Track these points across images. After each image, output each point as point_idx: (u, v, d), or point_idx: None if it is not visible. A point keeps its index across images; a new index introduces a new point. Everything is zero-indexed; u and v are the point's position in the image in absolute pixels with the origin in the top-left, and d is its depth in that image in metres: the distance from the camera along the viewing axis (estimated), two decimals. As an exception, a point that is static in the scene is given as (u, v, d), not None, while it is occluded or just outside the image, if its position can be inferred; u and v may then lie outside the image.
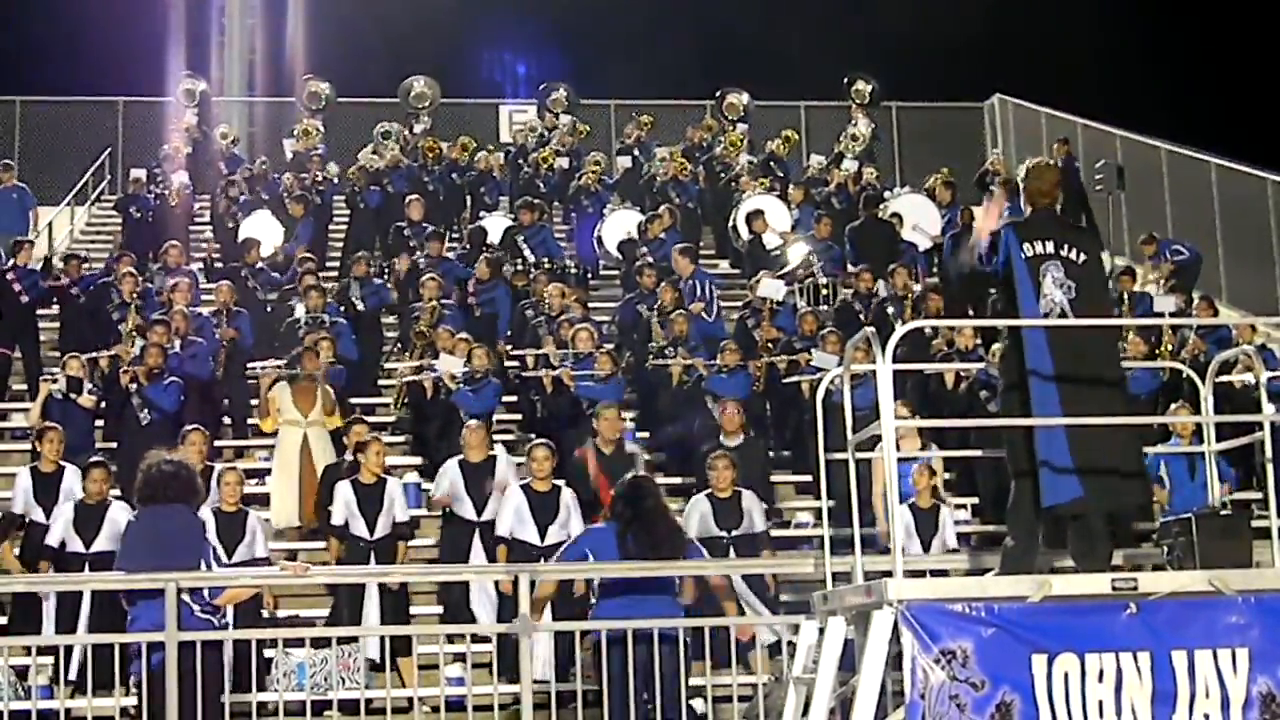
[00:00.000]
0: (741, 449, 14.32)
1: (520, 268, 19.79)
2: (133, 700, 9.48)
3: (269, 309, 18.67)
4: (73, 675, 11.38)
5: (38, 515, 13.31)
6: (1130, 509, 7.92)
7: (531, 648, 9.50)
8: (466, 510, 13.36)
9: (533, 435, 16.21)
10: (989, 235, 8.00)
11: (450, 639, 12.30)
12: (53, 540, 12.67)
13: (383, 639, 11.60)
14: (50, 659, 11.71)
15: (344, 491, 13.10)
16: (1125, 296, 18.63)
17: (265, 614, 12.50)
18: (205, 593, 9.41)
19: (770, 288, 18.31)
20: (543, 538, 12.51)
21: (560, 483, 13.01)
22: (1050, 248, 7.86)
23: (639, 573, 9.73)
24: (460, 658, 11.87)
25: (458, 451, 13.86)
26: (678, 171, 23.83)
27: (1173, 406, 14.66)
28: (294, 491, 14.75)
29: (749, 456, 14.32)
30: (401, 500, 13.36)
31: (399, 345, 18.76)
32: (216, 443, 15.75)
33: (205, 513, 12.22)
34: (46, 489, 13.39)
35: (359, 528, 12.98)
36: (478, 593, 13.02)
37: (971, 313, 16.21)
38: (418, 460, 16.19)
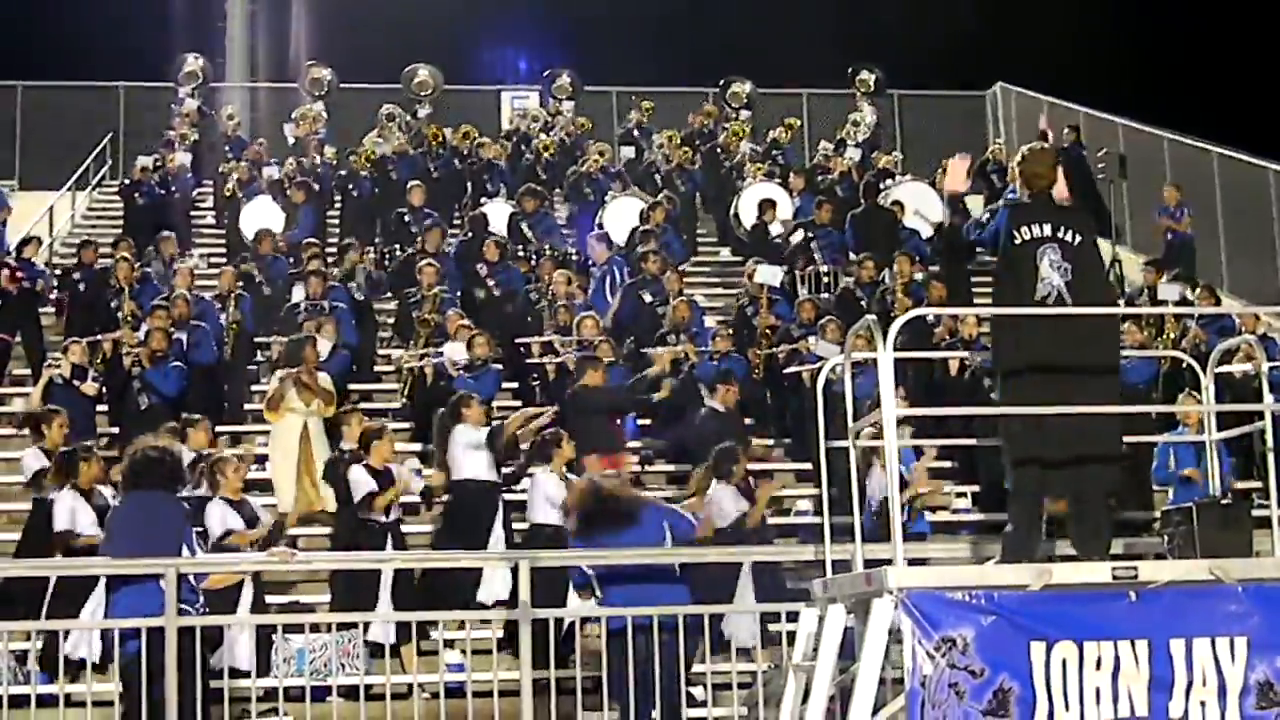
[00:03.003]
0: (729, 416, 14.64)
1: (524, 254, 19.80)
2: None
3: (268, 294, 18.65)
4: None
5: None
6: (1101, 494, 7.89)
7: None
8: (471, 470, 13.62)
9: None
10: (986, 212, 8.04)
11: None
12: (61, 525, 12.58)
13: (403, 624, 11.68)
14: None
15: (359, 474, 13.12)
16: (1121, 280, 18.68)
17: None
18: (190, 577, 9.43)
19: (766, 274, 18.31)
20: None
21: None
22: (1047, 230, 7.86)
23: (640, 559, 9.72)
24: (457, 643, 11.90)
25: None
26: (681, 160, 23.81)
27: (1181, 396, 14.64)
28: (290, 479, 14.76)
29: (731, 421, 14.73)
30: (413, 482, 13.42)
31: (396, 333, 18.75)
32: (216, 428, 15.75)
33: (216, 503, 12.28)
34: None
35: (375, 511, 12.99)
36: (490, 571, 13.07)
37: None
38: (419, 447, 16.18)
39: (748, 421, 16.14)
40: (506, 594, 12.64)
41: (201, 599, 9.75)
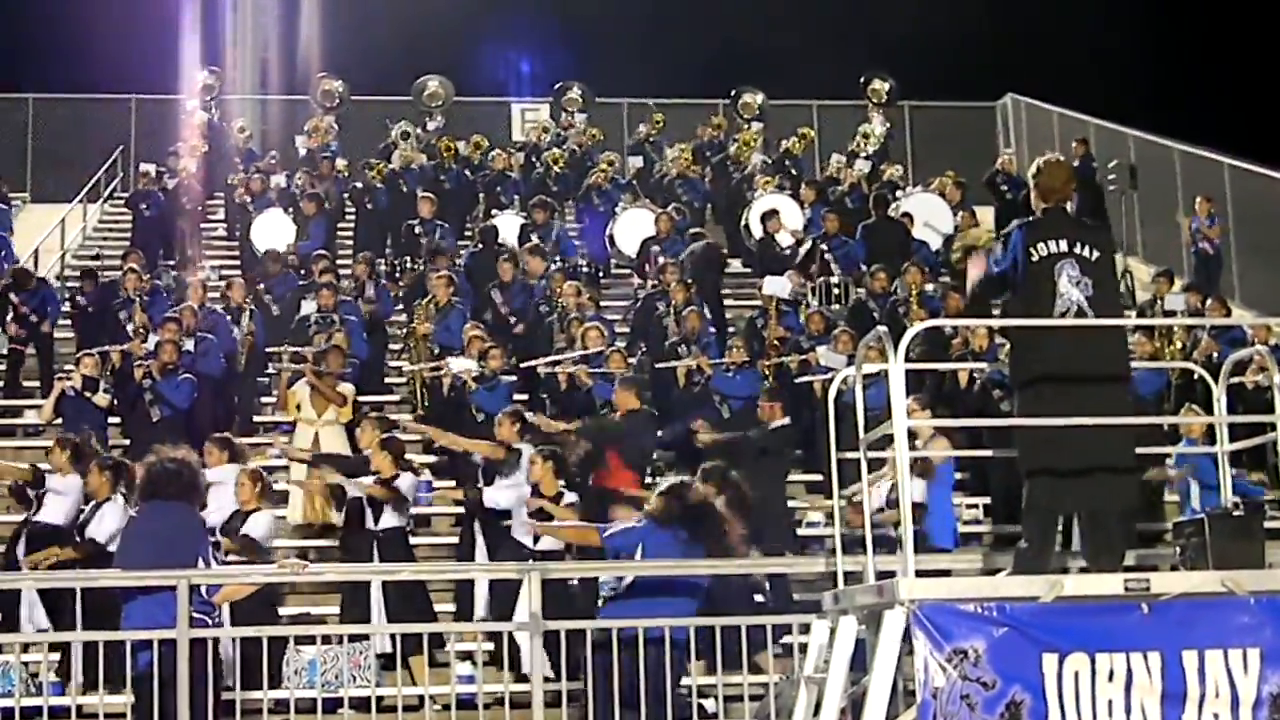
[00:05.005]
0: (781, 432, 14.51)
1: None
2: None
3: (276, 314, 18.67)
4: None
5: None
6: (1116, 509, 7.87)
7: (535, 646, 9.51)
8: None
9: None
10: (999, 240, 8.04)
11: (462, 637, 12.33)
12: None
13: (394, 635, 11.60)
14: (57, 655, 11.67)
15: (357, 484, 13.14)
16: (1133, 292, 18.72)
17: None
18: (202, 590, 9.42)
19: (775, 286, 18.31)
20: (535, 541, 12.50)
21: (563, 490, 12.96)
22: (1064, 246, 7.82)
23: (655, 571, 9.71)
24: (470, 655, 11.90)
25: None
26: (683, 168, 23.82)
27: (1183, 410, 14.63)
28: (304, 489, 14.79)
29: (785, 439, 14.61)
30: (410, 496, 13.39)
31: (407, 346, 18.77)
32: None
33: (222, 514, 12.29)
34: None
35: (366, 519, 12.99)
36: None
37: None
38: (432, 458, 16.18)
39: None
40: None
41: (218, 611, 9.75)
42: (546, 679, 9.89)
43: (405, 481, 13.13)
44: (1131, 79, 32.31)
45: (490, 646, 12.15)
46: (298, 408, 15.32)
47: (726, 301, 21.74)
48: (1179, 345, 17.16)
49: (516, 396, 16.77)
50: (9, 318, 18.30)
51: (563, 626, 9.89)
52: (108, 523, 12.09)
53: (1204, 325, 17.47)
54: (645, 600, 9.69)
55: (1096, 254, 7.85)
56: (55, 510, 12.93)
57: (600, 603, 10.30)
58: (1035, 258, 7.81)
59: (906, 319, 17.32)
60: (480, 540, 13.45)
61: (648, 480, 14.16)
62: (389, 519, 12.93)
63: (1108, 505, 7.77)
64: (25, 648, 11.15)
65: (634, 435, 14.24)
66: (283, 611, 13.07)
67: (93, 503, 12.58)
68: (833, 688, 7.77)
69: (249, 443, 16.65)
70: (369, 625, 11.93)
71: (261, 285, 19.04)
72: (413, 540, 13.63)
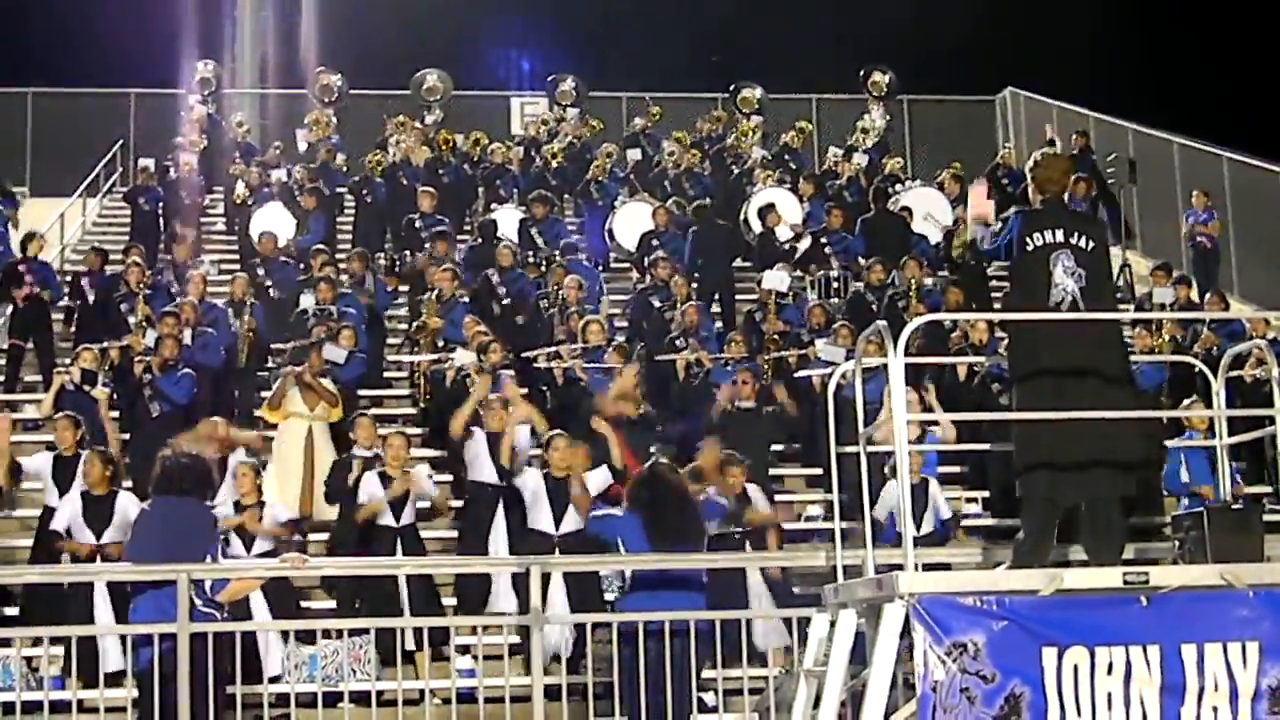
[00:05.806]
0: (753, 415, 14.63)
1: (534, 260, 19.83)
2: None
3: (277, 302, 18.67)
4: (111, 667, 11.15)
5: (53, 500, 13.13)
6: (1116, 500, 7.90)
7: (546, 635, 9.53)
8: (486, 474, 13.56)
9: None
10: (999, 222, 8.06)
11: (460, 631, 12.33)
12: (59, 525, 12.56)
13: (416, 630, 11.64)
14: (60, 649, 11.67)
15: (371, 482, 13.14)
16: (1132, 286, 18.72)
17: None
18: (207, 587, 9.41)
19: (774, 280, 18.34)
20: (557, 527, 12.56)
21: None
22: (1060, 236, 7.88)
23: (654, 564, 9.73)
24: (470, 649, 11.91)
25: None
26: (690, 163, 23.82)
27: (1186, 402, 14.64)
28: (295, 483, 14.75)
29: (758, 423, 14.73)
30: (428, 488, 13.40)
31: (410, 340, 18.78)
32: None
33: (227, 508, 12.28)
34: (65, 474, 13.21)
35: (385, 516, 12.99)
36: (502, 584, 13.01)
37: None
38: (433, 452, 16.16)
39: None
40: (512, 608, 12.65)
41: (225, 609, 9.76)
42: (548, 672, 9.92)
43: (426, 482, 13.14)
44: (1130, 73, 32.28)
45: (498, 639, 12.16)
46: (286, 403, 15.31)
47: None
48: (1167, 338, 17.14)
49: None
50: (16, 290, 18.32)
51: (562, 621, 9.92)
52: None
53: (1201, 319, 17.47)
54: (649, 593, 9.74)
55: (1091, 244, 7.90)
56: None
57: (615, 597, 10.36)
58: (1031, 247, 7.87)
59: (905, 313, 17.35)
60: (502, 527, 13.49)
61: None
62: (409, 515, 13.00)
63: (1108, 495, 7.79)
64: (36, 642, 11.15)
65: (637, 433, 14.27)
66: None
67: (82, 489, 12.57)
68: (832, 681, 7.78)
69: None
70: (368, 620, 11.91)
71: (262, 271, 18.99)
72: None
